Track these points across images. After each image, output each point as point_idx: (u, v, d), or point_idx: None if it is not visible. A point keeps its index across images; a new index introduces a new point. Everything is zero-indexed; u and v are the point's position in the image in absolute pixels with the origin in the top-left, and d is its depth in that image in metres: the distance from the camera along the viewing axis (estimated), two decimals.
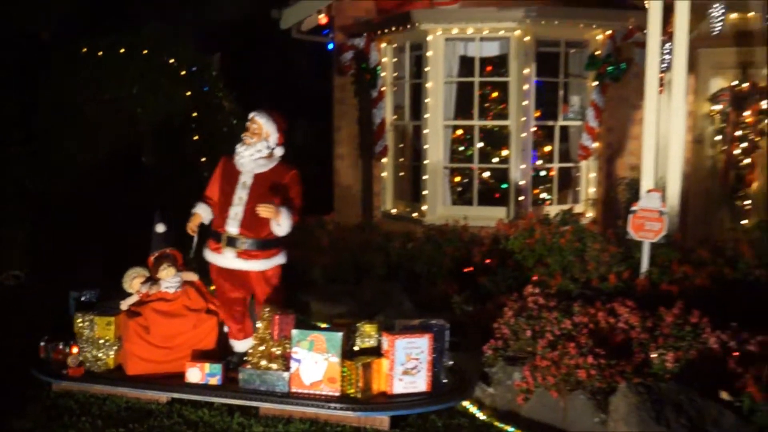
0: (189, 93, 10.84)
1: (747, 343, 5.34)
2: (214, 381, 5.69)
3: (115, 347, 6.04)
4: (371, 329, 5.73)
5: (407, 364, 5.45)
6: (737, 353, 5.29)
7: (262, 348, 5.65)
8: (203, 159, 10.56)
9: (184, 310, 6.08)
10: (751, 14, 9.04)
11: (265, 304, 5.94)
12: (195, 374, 5.71)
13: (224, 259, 6.00)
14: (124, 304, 6.11)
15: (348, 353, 5.56)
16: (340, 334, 5.45)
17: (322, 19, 10.86)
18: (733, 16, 9.12)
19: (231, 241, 5.95)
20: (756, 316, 5.84)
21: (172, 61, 10.70)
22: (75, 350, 5.92)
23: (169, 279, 6.08)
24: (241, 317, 6.12)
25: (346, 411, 5.29)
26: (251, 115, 6.08)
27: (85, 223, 9.35)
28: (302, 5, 10.78)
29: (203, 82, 11.15)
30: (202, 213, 6.08)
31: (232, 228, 5.94)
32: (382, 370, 5.48)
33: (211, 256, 6.08)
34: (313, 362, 5.45)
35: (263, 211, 5.75)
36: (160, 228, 6.25)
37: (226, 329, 6.29)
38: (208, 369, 5.71)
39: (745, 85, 9.58)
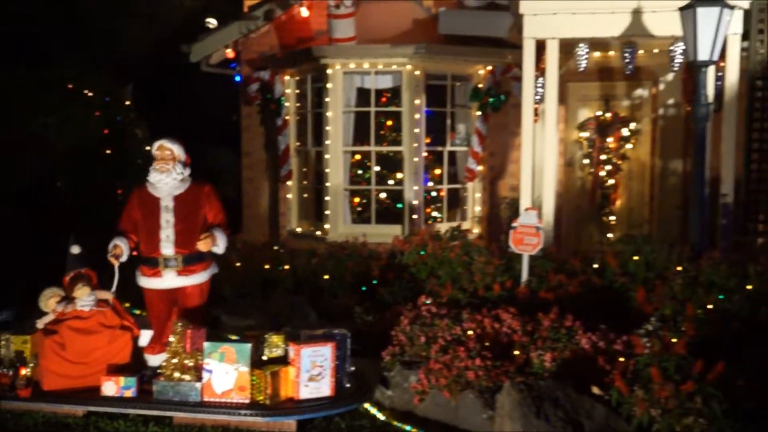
0: (102, 122, 10.76)
1: (614, 342, 5.56)
2: (129, 393, 5.61)
3: (31, 365, 5.91)
4: (278, 340, 5.75)
5: (312, 371, 5.48)
6: (605, 352, 5.50)
7: (175, 360, 5.59)
8: (117, 184, 10.47)
9: (99, 327, 5.97)
10: (611, 53, 9.50)
11: (195, 315, 5.97)
12: (110, 387, 5.63)
13: (166, 280, 5.99)
14: (41, 323, 5.98)
15: (257, 363, 5.56)
16: (248, 346, 5.48)
17: (230, 53, 10.87)
18: (597, 54, 9.55)
19: (169, 262, 5.94)
20: (621, 319, 6.12)
21: (86, 91, 10.56)
22: (23, 371, 5.79)
23: (84, 298, 5.97)
24: (168, 333, 6.01)
25: (255, 417, 5.32)
26: (161, 143, 6.00)
27: (2, 247, 9.11)
28: (210, 41, 10.77)
29: (117, 111, 11.05)
30: (122, 244, 5.97)
31: (167, 249, 5.92)
32: (289, 377, 5.50)
33: (149, 282, 6.03)
34: (224, 372, 5.44)
35: (202, 246, 5.86)
36: (75, 249, 6.14)
37: (140, 344, 6.25)
38: (122, 382, 5.63)
39: (608, 114, 10.06)
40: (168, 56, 11.81)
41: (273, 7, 10.52)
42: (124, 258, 6.00)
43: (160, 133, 6.27)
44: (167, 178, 5.96)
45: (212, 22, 11.87)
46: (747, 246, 7.25)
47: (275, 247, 9.28)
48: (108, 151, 10.66)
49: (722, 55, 8.00)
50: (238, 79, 11.07)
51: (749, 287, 6.27)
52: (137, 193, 6.14)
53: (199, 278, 6.05)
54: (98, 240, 6.17)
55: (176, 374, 5.58)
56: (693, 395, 4.88)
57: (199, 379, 5.52)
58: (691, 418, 4.83)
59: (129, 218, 6.11)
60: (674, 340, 5.33)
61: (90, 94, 10.64)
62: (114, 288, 6.14)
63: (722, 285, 6.30)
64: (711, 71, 7.66)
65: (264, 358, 5.74)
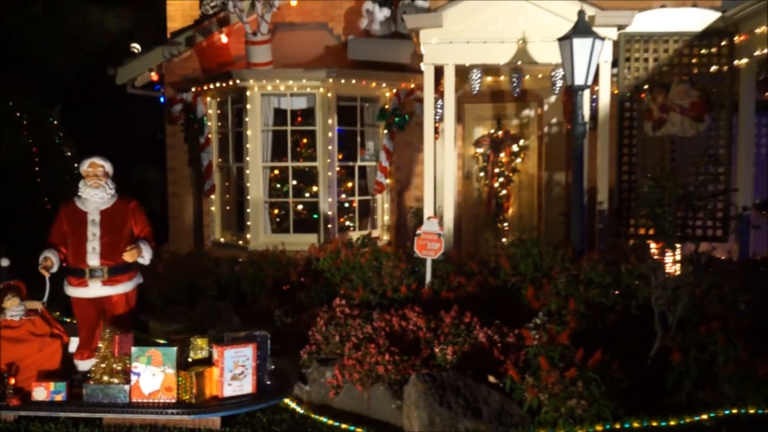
0: (31, 140, 10.44)
1: (507, 336, 5.74)
2: (60, 397, 5.49)
3: None
4: (203, 342, 5.71)
5: (235, 370, 5.46)
6: (500, 344, 5.67)
7: (104, 365, 5.49)
8: (46, 199, 10.19)
9: (29, 336, 5.82)
10: (502, 77, 9.73)
11: (123, 321, 5.87)
12: (41, 392, 5.49)
13: (92, 290, 5.89)
14: None
15: (183, 365, 5.52)
16: (174, 349, 5.43)
17: (154, 76, 10.70)
18: (489, 79, 9.78)
19: (94, 273, 5.84)
20: (514, 314, 6.29)
21: (17, 113, 10.24)
22: (12, 381, 5.58)
23: (14, 308, 5.82)
24: (96, 339, 5.94)
25: (181, 415, 5.28)
26: (92, 160, 5.94)
27: None
28: (134, 64, 10.60)
29: (45, 131, 10.75)
30: (52, 256, 5.84)
31: (93, 261, 5.83)
32: (214, 377, 5.47)
33: (76, 291, 5.93)
34: (151, 374, 5.38)
35: (128, 257, 5.81)
36: (5, 262, 5.98)
37: (71, 350, 6.11)
38: (53, 387, 5.50)
39: (500, 132, 10.32)
40: (95, 79, 11.52)
41: (194, 33, 10.43)
42: (54, 269, 5.87)
43: (88, 152, 6.17)
44: (101, 192, 5.91)
45: (136, 47, 11.68)
46: (620, 247, 7.50)
47: (199, 257, 9.16)
48: (37, 169, 10.37)
49: (596, 80, 8.34)
50: (162, 100, 10.90)
51: (621, 283, 6.52)
52: (65, 208, 6.03)
53: (124, 288, 5.97)
54: (29, 252, 6.04)
55: (105, 378, 5.48)
56: (575, 380, 5.05)
57: (128, 381, 5.43)
58: (574, 401, 5.00)
59: (58, 232, 5.98)
60: (559, 332, 5.53)
61: (18, 114, 10.30)
62: (45, 298, 5.98)
63: (599, 282, 6.51)
64: (586, 94, 7.98)
65: (189, 360, 5.69)
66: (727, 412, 5.21)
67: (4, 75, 12.33)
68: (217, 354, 5.50)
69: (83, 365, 6.01)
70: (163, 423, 5.33)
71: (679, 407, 5.30)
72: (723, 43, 8.73)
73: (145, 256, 5.96)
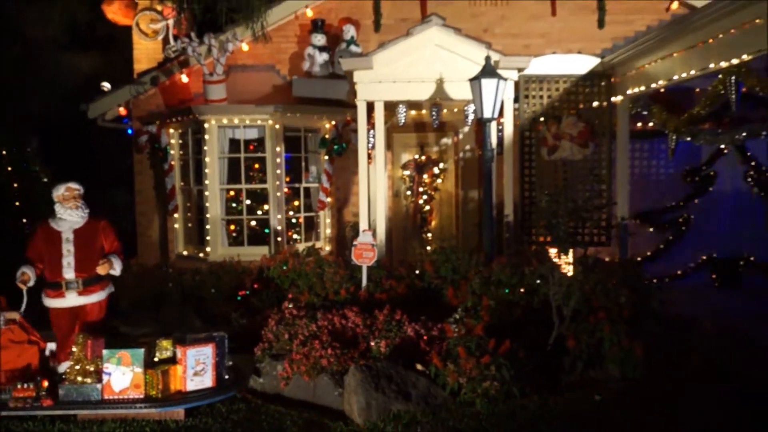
0: (10, 168, 10.06)
1: (431, 330, 5.81)
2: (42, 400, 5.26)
3: None
4: (167, 344, 5.59)
5: (197, 367, 5.39)
6: (426, 337, 5.72)
7: (78, 367, 5.34)
8: (24, 220, 9.83)
9: (8, 343, 5.60)
10: (424, 111, 9.86)
11: (95, 327, 5.71)
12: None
13: (68, 300, 5.75)
14: None
15: (150, 364, 5.39)
16: (141, 350, 5.31)
17: (122, 111, 10.43)
18: (413, 112, 9.91)
19: (70, 285, 5.70)
20: (437, 311, 6.34)
21: None
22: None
23: None
24: (71, 344, 5.76)
25: (149, 408, 5.16)
26: (68, 185, 5.83)
27: None
28: (104, 101, 10.32)
29: (23, 160, 10.37)
30: (29, 271, 5.66)
31: (69, 274, 5.70)
32: (178, 374, 5.38)
33: (54, 302, 5.77)
34: (121, 374, 5.25)
35: (101, 269, 5.70)
36: None
37: (47, 354, 5.91)
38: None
39: (423, 157, 10.42)
40: (70, 113, 11.14)
41: (158, 74, 10.24)
42: (31, 283, 5.69)
43: (64, 178, 6.00)
44: (76, 212, 5.80)
45: (107, 85, 11.35)
46: (524, 253, 7.67)
47: (165, 268, 8.95)
48: (16, 194, 9.99)
49: (501, 113, 8.53)
50: (130, 131, 10.63)
51: (525, 283, 6.66)
52: (41, 228, 5.87)
53: (97, 297, 5.85)
54: (8, 269, 5.85)
55: (79, 378, 5.32)
56: (489, 365, 5.14)
57: (100, 380, 5.29)
58: (488, 382, 5.09)
59: (34, 249, 5.80)
60: (475, 325, 5.62)
61: None
62: (23, 308, 5.75)
63: (507, 282, 6.65)
64: (493, 125, 8.14)
65: (156, 359, 5.57)
66: (611, 387, 5.38)
67: None
68: (180, 353, 5.41)
69: (61, 367, 5.81)
70: (132, 416, 5.19)
71: (574, 384, 5.44)
72: (602, 83, 9.05)
73: (116, 268, 5.85)
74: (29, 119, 12.34)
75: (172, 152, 10.10)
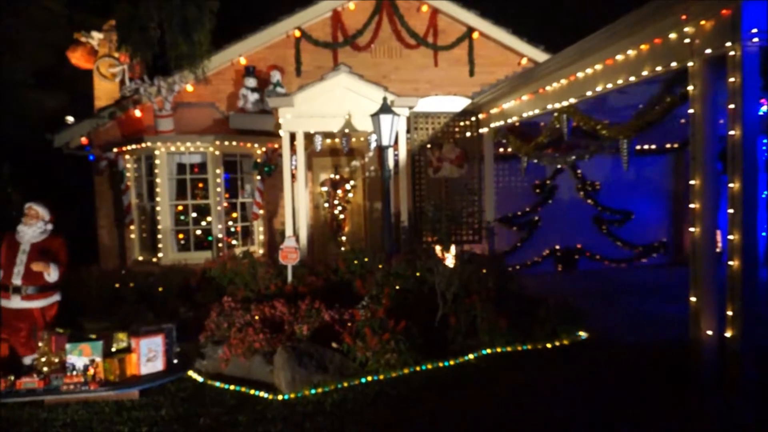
0: None
1: (343, 315, 5.70)
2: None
3: None
4: (123, 336, 5.26)
5: (149, 354, 5.12)
6: (339, 321, 5.63)
7: (43, 359, 4.95)
8: None
9: None
10: (337, 140, 9.80)
11: (46, 328, 5.27)
12: None
13: (12, 303, 5.30)
14: None
15: (108, 354, 5.05)
16: (100, 342, 4.96)
17: (84, 140, 9.76)
18: (328, 141, 9.82)
19: (17, 290, 5.28)
20: (348, 300, 6.25)
21: None
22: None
23: None
24: (26, 341, 5.33)
25: (107, 391, 4.83)
26: (29, 205, 5.47)
27: None
28: (68, 132, 9.66)
29: None
30: None
31: (17, 280, 5.27)
32: (133, 361, 5.07)
33: (3, 302, 5.31)
34: (83, 364, 4.88)
35: (35, 267, 5.26)
36: None
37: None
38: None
39: (338, 176, 10.35)
40: (38, 143, 10.29)
41: (115, 109, 9.67)
42: None
43: (32, 199, 5.59)
44: (29, 230, 5.41)
45: (70, 119, 10.59)
46: (416, 251, 7.71)
47: (123, 272, 8.42)
48: None
49: (397, 142, 8.59)
50: (91, 158, 9.96)
51: (417, 274, 6.69)
52: (6, 238, 5.46)
53: (39, 303, 5.41)
54: None
55: (45, 369, 4.91)
56: (389, 341, 5.11)
57: (64, 370, 4.88)
58: (389, 355, 5.06)
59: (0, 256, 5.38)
60: (378, 309, 5.58)
61: None
62: None
63: (403, 274, 6.64)
64: (390, 151, 8.17)
65: (113, 350, 5.21)
66: (484, 352, 5.50)
67: None
68: (134, 343, 5.13)
69: (27, 360, 5.37)
70: (93, 399, 4.82)
71: (455, 352, 5.51)
72: (473, 118, 9.30)
73: (52, 274, 5.36)
74: (2, 148, 11.30)
75: (128, 174, 9.54)
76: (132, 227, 9.65)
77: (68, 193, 11.89)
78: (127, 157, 9.57)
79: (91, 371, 4.87)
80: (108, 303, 7.57)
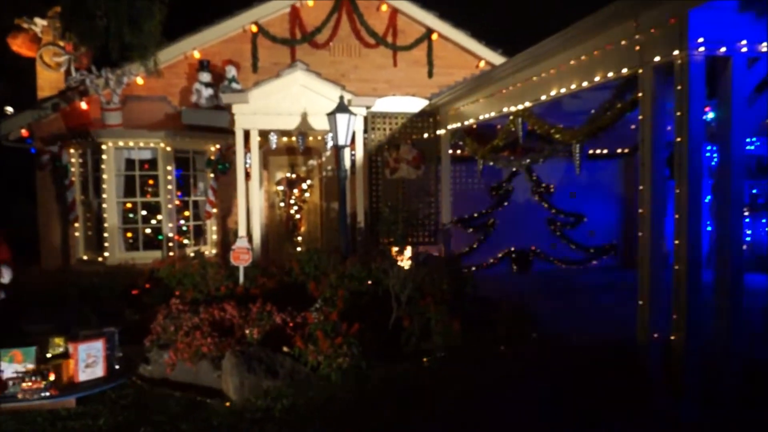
0: None
1: (296, 318, 5.56)
2: None
3: None
4: (60, 341, 4.98)
5: (88, 360, 4.84)
6: (291, 324, 5.49)
7: None
8: None
9: None
10: (294, 138, 9.60)
11: None
12: None
13: None
14: None
15: (43, 360, 4.76)
16: (33, 348, 4.67)
17: (24, 132, 9.23)
18: (285, 139, 9.62)
19: None
20: (302, 302, 6.07)
21: None
22: None
23: None
24: None
25: (42, 400, 4.53)
26: None
27: None
28: (7, 123, 9.10)
29: None
30: None
31: None
32: (70, 367, 4.78)
33: None
34: (14, 371, 4.58)
35: None
36: None
37: None
38: None
39: (294, 175, 10.14)
40: None
41: (59, 101, 9.17)
42: None
43: None
44: None
45: (9, 109, 10.01)
46: (371, 252, 7.64)
47: (65, 272, 8.00)
48: None
49: (354, 142, 8.48)
50: (33, 151, 9.43)
51: (372, 276, 6.58)
52: None
53: None
54: None
55: None
56: (342, 345, 5.00)
57: None
58: (341, 358, 4.95)
59: None
60: (331, 312, 5.45)
61: None
62: None
63: (358, 276, 6.54)
64: (347, 151, 8.08)
65: (49, 356, 4.93)
66: (438, 354, 5.43)
67: None
68: (72, 349, 4.85)
69: None
70: (26, 409, 4.51)
71: (409, 355, 5.43)
72: (431, 119, 9.29)
73: (5, 276, 5.04)
74: None
75: (72, 170, 9.09)
76: (77, 225, 9.21)
77: (7, 188, 11.27)
78: (72, 151, 9.12)
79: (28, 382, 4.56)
80: (49, 305, 7.18)
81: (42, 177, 9.42)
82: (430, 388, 4.69)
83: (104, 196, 8.66)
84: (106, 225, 8.67)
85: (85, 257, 9.11)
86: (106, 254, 8.65)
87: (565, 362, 5.10)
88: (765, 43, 4.08)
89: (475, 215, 10.25)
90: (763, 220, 9.60)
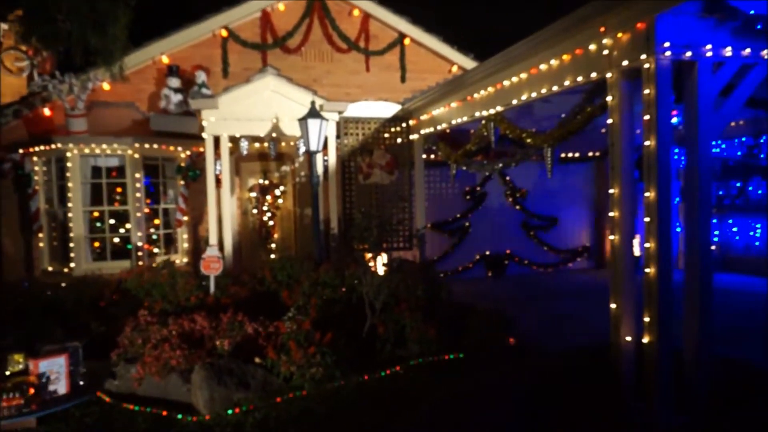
0: None
1: (268, 327, 5.43)
2: None
3: None
4: (19, 357, 4.72)
5: (50, 377, 4.62)
6: (263, 334, 5.34)
7: None
8: None
9: None
10: (266, 144, 9.44)
11: None
12: None
13: None
14: None
15: (2, 378, 4.52)
16: None
17: None
18: (257, 145, 9.47)
19: None
20: (274, 311, 5.97)
21: None
22: None
23: None
24: None
25: (25, 416, 4.32)
26: None
27: None
28: None
29: None
30: None
31: None
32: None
33: None
34: None
35: None
36: None
37: None
38: None
39: (267, 182, 9.98)
40: None
41: (21, 107, 8.85)
42: None
43: None
44: None
45: None
46: (345, 259, 7.53)
47: (25, 285, 7.68)
48: None
49: (326, 147, 8.37)
50: None
51: (345, 283, 6.50)
52: None
53: None
54: None
55: None
56: (315, 354, 4.90)
57: None
58: (314, 369, 4.85)
59: None
60: (304, 320, 5.34)
61: None
62: None
63: (331, 283, 6.45)
64: (320, 157, 7.98)
65: (8, 373, 4.66)
66: (413, 362, 5.38)
67: None
68: (32, 366, 4.60)
69: None
70: None
71: (384, 363, 5.36)
72: (404, 124, 9.25)
73: None
74: None
75: (36, 178, 8.76)
76: (41, 235, 8.87)
77: None
78: (35, 158, 8.80)
79: None
80: (12, 318, 6.87)
81: (4, 186, 9.05)
82: (406, 398, 4.61)
83: (70, 204, 8.38)
84: (71, 235, 8.38)
85: (50, 268, 8.79)
86: (72, 265, 8.36)
87: (540, 367, 5.08)
88: (729, 48, 4.13)
89: (450, 220, 10.25)
90: (730, 221, 9.80)
